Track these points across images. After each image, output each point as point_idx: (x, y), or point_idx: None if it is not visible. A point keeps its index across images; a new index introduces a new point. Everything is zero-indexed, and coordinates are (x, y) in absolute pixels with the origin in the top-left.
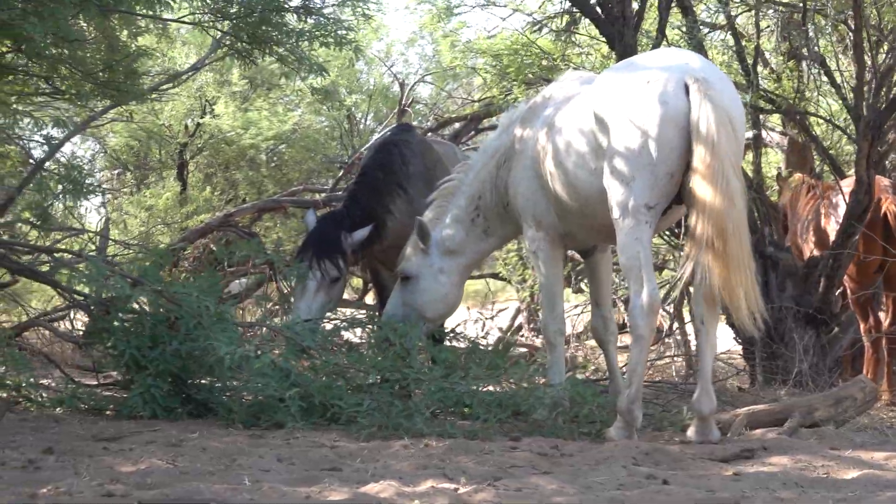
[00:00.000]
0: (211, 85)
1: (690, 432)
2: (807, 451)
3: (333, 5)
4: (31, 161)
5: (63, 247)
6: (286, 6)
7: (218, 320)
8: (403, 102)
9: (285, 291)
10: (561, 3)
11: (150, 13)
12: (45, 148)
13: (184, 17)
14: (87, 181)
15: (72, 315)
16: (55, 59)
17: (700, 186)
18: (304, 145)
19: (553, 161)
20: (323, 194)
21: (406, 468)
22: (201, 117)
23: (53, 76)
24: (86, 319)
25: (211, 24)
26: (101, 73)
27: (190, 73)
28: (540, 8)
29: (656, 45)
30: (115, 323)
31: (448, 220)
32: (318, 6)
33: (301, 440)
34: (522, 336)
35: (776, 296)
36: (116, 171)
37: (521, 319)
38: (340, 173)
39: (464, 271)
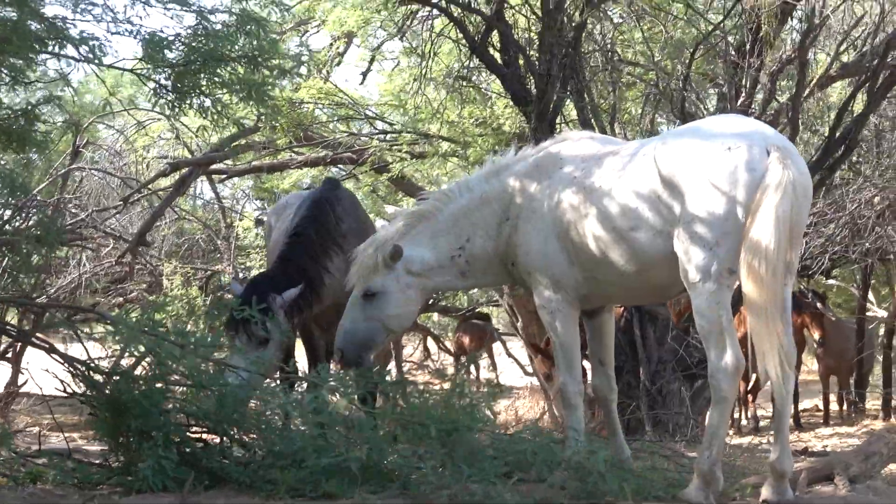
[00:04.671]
0: None
1: (767, 493)
2: None
3: (284, 59)
4: None
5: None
6: (231, 56)
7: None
8: (78, 143)
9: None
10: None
11: (87, 58)
12: None
13: (118, 62)
14: None
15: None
16: None
17: (760, 230)
18: None
19: (600, 225)
20: None
21: None
22: None
23: None
24: None
25: (149, 72)
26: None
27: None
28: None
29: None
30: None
31: (418, 243)
32: (267, 57)
33: None
34: None
35: (655, 349)
36: None
37: None
38: None
39: (427, 292)
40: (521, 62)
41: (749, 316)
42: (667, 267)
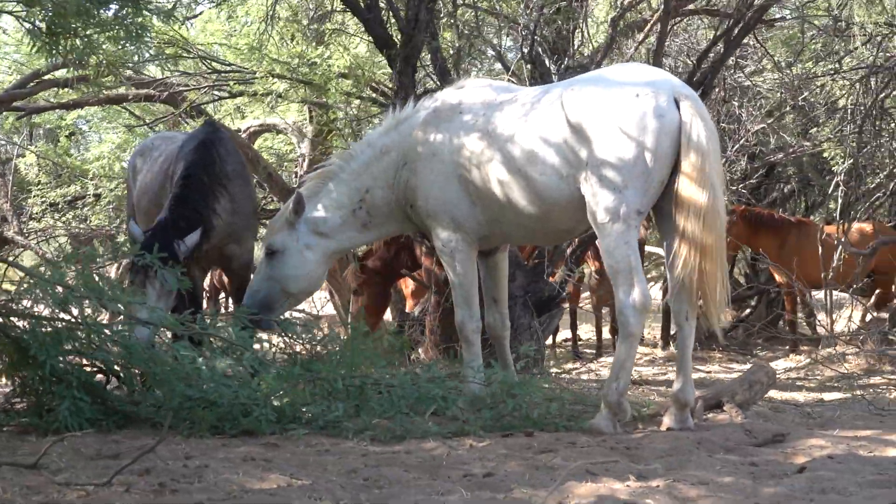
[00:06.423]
0: None
1: (670, 420)
2: (814, 435)
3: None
4: None
5: None
6: None
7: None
8: None
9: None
10: None
11: None
12: None
13: None
14: None
15: None
16: None
17: (692, 190)
18: None
19: (504, 168)
20: None
21: (515, 468)
22: None
23: None
24: None
25: (25, 12)
26: None
27: None
28: None
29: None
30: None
31: (324, 203)
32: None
33: (331, 448)
34: None
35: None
36: None
37: None
38: None
39: (330, 254)
40: (383, 6)
41: (702, 261)
42: (570, 209)
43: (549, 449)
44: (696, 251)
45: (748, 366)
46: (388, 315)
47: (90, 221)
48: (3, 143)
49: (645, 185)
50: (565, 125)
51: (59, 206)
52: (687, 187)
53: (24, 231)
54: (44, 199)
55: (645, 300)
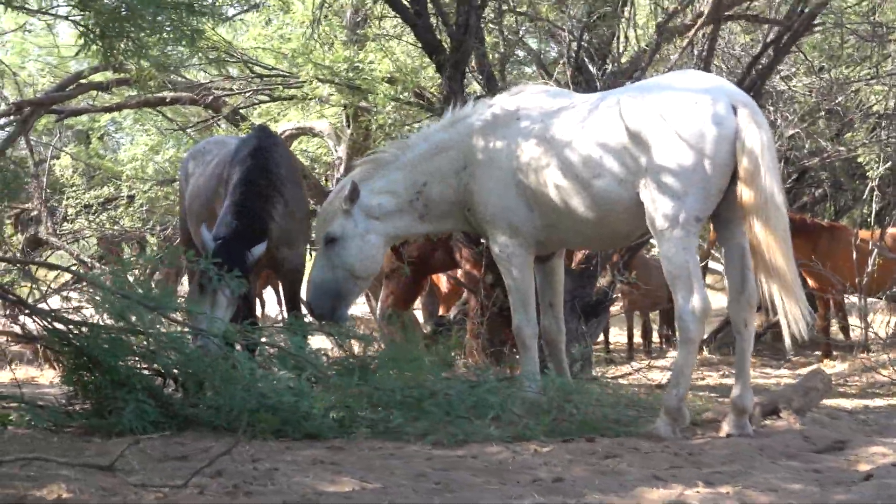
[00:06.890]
0: None
1: (729, 426)
2: (875, 443)
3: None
4: None
5: None
6: (167, 2)
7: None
8: None
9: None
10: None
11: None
12: None
13: (51, 8)
14: None
15: None
16: None
17: (750, 197)
18: None
19: (562, 174)
20: None
21: (582, 473)
22: None
23: None
24: None
25: (82, 17)
26: None
27: None
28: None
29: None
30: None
31: (376, 188)
32: (205, 5)
33: (396, 452)
34: None
35: None
36: None
37: None
38: None
39: (389, 237)
40: (431, 12)
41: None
42: (627, 215)
43: (613, 454)
44: (767, 259)
45: (781, 370)
46: (419, 317)
47: (123, 223)
48: (35, 143)
49: (704, 192)
50: (624, 132)
51: (93, 207)
52: (746, 195)
53: (58, 232)
54: (78, 200)
55: (704, 306)
